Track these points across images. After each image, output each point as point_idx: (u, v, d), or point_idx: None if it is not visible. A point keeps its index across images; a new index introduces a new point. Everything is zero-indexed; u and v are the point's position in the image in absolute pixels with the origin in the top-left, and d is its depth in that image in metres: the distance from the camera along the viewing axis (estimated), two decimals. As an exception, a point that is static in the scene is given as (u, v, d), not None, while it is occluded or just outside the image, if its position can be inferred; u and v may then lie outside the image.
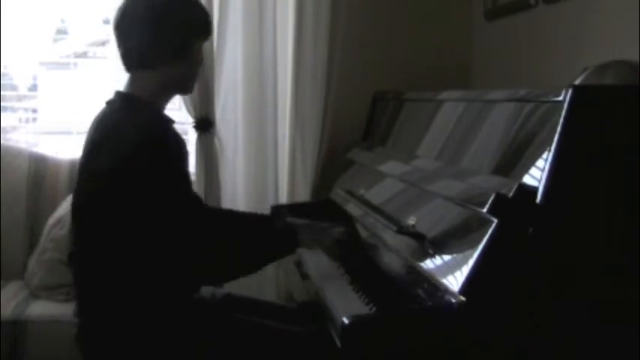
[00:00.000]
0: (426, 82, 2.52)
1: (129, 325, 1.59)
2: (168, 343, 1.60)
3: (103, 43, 3.13)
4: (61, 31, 3.13)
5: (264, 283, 2.52)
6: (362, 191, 2.06)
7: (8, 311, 2.22)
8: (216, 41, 2.47)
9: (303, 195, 2.61)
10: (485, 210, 1.32)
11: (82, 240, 1.65)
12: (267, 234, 1.80)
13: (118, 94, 1.70)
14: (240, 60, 2.54)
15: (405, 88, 2.40)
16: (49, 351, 2.17)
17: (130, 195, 1.54)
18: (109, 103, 1.71)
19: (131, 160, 1.54)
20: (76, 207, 1.67)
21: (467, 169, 1.60)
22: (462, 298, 1.29)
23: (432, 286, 1.39)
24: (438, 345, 1.32)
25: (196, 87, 2.00)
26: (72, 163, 2.66)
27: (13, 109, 3.18)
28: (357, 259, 1.81)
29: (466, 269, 1.31)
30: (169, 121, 1.68)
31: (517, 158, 1.42)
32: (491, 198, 1.32)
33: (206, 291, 1.87)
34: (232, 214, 2.10)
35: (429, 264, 1.45)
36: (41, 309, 2.27)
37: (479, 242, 1.32)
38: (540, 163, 1.32)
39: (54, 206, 2.55)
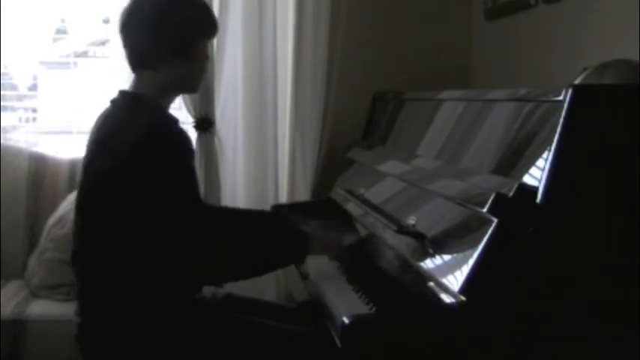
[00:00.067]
0: (426, 82, 2.52)
1: (130, 324, 1.59)
2: (168, 342, 1.60)
3: (103, 43, 3.13)
4: (61, 31, 3.13)
5: (264, 283, 2.52)
6: (362, 191, 2.06)
7: (8, 311, 2.22)
8: (217, 41, 2.46)
9: (303, 194, 2.61)
10: (485, 210, 1.32)
11: (85, 239, 1.65)
12: (277, 241, 1.74)
13: (122, 93, 1.71)
14: (240, 60, 2.54)
15: (405, 88, 2.40)
16: (48, 351, 2.17)
17: (135, 193, 1.54)
18: (112, 102, 1.71)
19: (135, 159, 1.54)
20: (79, 206, 1.67)
21: (467, 168, 1.60)
22: (462, 298, 1.29)
23: (432, 285, 1.39)
24: (438, 345, 1.32)
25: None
26: (72, 162, 2.66)
27: (13, 109, 3.18)
28: (357, 259, 1.81)
29: (466, 269, 1.31)
30: (174, 120, 1.68)
31: (517, 158, 1.42)
32: (492, 198, 1.31)
33: (207, 291, 1.87)
34: (243, 214, 2.09)
35: (429, 264, 1.45)
36: (41, 308, 2.26)
37: (479, 242, 1.31)
38: (540, 162, 1.32)
39: (54, 206, 2.55)
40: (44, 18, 2.93)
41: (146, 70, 1.68)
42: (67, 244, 2.29)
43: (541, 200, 1.30)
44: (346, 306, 1.52)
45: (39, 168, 2.65)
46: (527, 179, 1.34)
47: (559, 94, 1.33)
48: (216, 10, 2.47)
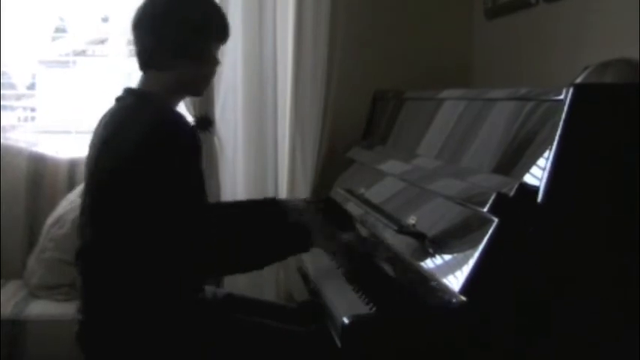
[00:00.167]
0: (426, 82, 2.52)
1: (132, 323, 1.60)
2: (169, 341, 1.60)
3: (102, 42, 3.12)
4: (60, 30, 3.12)
5: (264, 283, 2.52)
6: (362, 190, 2.06)
7: (7, 311, 2.22)
8: (216, 40, 2.46)
9: (303, 194, 2.60)
10: (485, 209, 1.32)
11: (91, 237, 1.65)
12: (279, 231, 1.76)
13: (128, 90, 1.71)
14: (240, 59, 2.54)
15: (406, 87, 2.39)
16: (48, 351, 2.17)
17: (142, 191, 1.54)
18: (118, 100, 1.71)
19: (143, 157, 1.54)
20: (86, 204, 1.67)
21: (467, 168, 1.59)
22: (463, 298, 1.28)
23: (432, 285, 1.39)
24: (438, 345, 1.32)
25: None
26: (71, 162, 2.66)
27: (12, 108, 3.18)
28: (357, 259, 1.81)
29: (466, 269, 1.30)
30: (181, 117, 1.67)
31: (518, 157, 1.42)
32: (492, 197, 1.31)
33: (207, 291, 1.87)
34: (244, 206, 2.08)
35: (429, 263, 1.45)
36: (40, 308, 2.26)
37: (479, 242, 1.31)
38: (541, 162, 1.32)
39: (53, 205, 2.54)
40: (43, 16, 2.93)
41: (152, 70, 1.69)
42: (67, 243, 2.30)
43: (542, 200, 1.29)
44: (346, 306, 1.51)
45: (38, 167, 2.65)
46: (528, 179, 1.34)
47: (560, 94, 1.32)
48: (216, 9, 2.47)
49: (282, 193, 2.61)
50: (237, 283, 2.41)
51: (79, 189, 2.46)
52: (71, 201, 2.47)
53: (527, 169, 1.36)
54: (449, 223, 1.49)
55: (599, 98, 1.34)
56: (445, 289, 1.34)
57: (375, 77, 2.68)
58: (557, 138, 1.29)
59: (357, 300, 1.58)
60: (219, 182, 2.54)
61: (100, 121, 1.72)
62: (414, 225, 1.58)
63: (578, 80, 1.47)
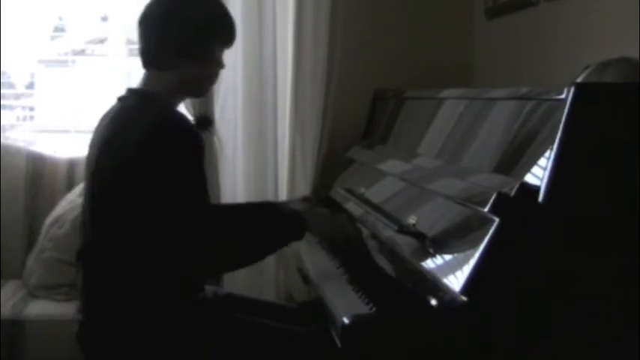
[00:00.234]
0: (426, 82, 2.52)
1: (132, 322, 1.59)
2: (169, 341, 1.59)
3: (102, 41, 3.12)
4: (59, 29, 3.13)
5: (264, 283, 2.52)
6: (362, 190, 2.05)
7: (6, 311, 2.21)
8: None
9: (303, 194, 2.60)
10: (486, 209, 1.32)
11: (92, 237, 1.64)
12: (274, 220, 1.74)
13: (131, 90, 1.71)
14: (240, 59, 2.53)
15: (406, 87, 2.39)
16: (47, 351, 2.17)
17: (144, 190, 1.54)
18: (120, 99, 1.71)
19: (145, 156, 1.54)
20: (87, 203, 1.67)
21: (468, 167, 1.59)
22: (463, 298, 1.28)
23: (432, 285, 1.39)
24: (438, 345, 1.31)
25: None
26: (70, 161, 2.66)
27: (11, 107, 3.18)
28: (357, 259, 1.81)
29: (467, 269, 1.30)
30: (184, 117, 1.67)
31: (519, 157, 1.41)
32: (493, 197, 1.31)
33: (207, 290, 1.86)
34: (243, 210, 2.09)
35: (429, 263, 1.44)
36: (40, 308, 2.26)
37: (480, 241, 1.31)
38: (542, 161, 1.31)
39: (52, 205, 2.54)
40: (42, 16, 2.93)
41: (155, 69, 1.69)
42: (66, 243, 2.30)
43: (543, 199, 1.29)
44: (346, 306, 1.51)
45: (37, 167, 2.65)
46: (529, 178, 1.34)
47: (561, 93, 1.32)
48: (215, 9, 2.46)
49: (282, 193, 2.61)
50: (237, 283, 2.41)
51: (79, 188, 2.46)
52: (70, 201, 2.47)
53: (528, 169, 1.35)
54: (449, 223, 1.48)
55: (600, 97, 1.33)
56: (445, 289, 1.33)
57: (375, 77, 2.68)
58: (558, 137, 1.29)
59: (357, 300, 1.57)
60: (219, 182, 2.54)
61: (101, 121, 1.72)
62: (414, 225, 1.57)
63: (579, 80, 1.46)
